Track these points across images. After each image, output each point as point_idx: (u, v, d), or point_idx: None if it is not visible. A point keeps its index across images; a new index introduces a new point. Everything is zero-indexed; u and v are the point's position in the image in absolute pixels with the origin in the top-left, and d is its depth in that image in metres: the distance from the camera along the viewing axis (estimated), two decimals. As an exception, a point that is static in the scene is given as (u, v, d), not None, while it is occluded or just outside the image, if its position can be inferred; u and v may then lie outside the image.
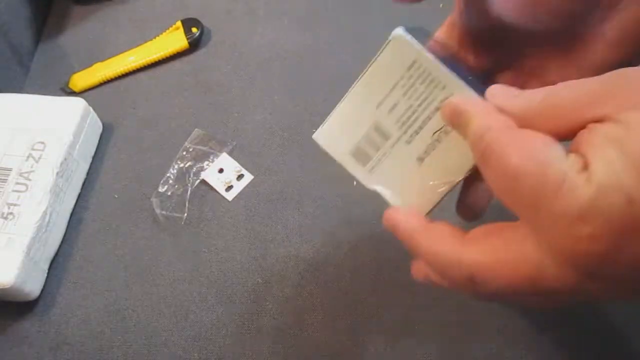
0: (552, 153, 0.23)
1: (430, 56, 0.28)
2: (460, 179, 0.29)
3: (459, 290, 0.27)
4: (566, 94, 0.24)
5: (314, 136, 0.32)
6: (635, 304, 0.41)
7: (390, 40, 0.28)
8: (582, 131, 0.23)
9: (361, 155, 0.31)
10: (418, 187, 0.30)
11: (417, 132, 0.29)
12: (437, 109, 0.28)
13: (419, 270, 0.30)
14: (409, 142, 0.29)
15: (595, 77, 0.24)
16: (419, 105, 0.29)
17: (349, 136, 0.31)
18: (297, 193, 0.50)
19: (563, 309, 0.42)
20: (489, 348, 0.42)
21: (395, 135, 0.30)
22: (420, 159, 0.29)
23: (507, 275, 0.24)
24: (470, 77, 0.29)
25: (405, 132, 0.29)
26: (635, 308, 0.41)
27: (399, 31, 0.28)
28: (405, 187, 0.30)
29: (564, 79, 0.30)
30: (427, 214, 0.30)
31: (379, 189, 0.31)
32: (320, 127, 0.32)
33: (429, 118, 0.29)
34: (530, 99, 0.25)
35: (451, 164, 0.29)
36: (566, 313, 0.42)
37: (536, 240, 0.23)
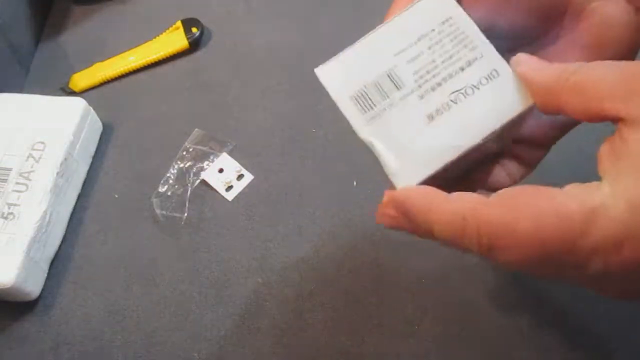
0: (550, 195, 0.22)
1: (466, 16, 0.27)
2: (470, 146, 0.27)
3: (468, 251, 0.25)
4: (602, 75, 0.22)
5: (316, 70, 0.29)
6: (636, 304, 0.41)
7: None
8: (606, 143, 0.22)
9: (364, 101, 0.28)
10: (420, 148, 0.27)
11: (433, 89, 0.27)
12: (462, 69, 0.27)
13: (385, 214, 0.27)
14: (422, 97, 0.27)
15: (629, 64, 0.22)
16: (443, 62, 0.27)
17: (356, 78, 0.28)
18: (297, 193, 0.50)
19: (563, 310, 0.42)
20: (489, 348, 0.42)
21: (408, 87, 0.27)
22: (431, 117, 0.27)
23: (545, 234, 0.21)
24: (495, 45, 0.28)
25: (420, 86, 0.27)
26: (635, 308, 0.41)
27: None
28: (405, 145, 0.27)
29: None
30: (422, 182, 0.27)
31: (374, 141, 0.27)
32: (325, 63, 0.29)
33: (450, 76, 0.27)
34: (560, 73, 0.23)
35: (464, 128, 0.27)
36: (566, 312, 0.42)
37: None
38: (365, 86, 0.28)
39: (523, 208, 0.22)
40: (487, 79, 0.27)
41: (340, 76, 0.28)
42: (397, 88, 0.28)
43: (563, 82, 0.23)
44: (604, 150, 0.22)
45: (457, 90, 0.27)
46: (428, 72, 0.27)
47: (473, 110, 0.27)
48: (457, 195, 0.24)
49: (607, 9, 0.27)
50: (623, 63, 0.23)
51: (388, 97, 0.28)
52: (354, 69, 0.28)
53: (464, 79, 0.27)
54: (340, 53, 0.29)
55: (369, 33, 0.28)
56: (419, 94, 0.27)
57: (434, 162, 0.27)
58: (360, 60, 0.28)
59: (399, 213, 0.26)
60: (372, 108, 0.28)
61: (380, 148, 0.27)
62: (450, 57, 0.27)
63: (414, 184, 0.26)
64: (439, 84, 0.27)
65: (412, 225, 0.25)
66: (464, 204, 0.23)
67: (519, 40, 0.28)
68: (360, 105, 0.28)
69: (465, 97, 0.27)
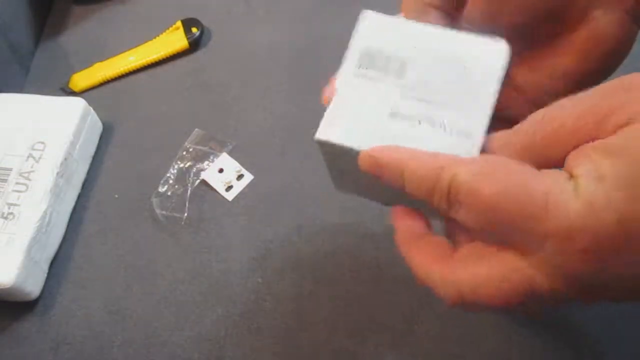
0: (526, 172, 0.22)
1: (497, 83, 0.27)
2: None
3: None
4: (564, 115, 0.23)
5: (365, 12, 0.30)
6: (630, 305, 0.41)
7: None
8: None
9: (367, 60, 0.29)
10: (361, 126, 0.28)
11: (419, 98, 0.28)
12: (450, 106, 0.27)
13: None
14: (404, 94, 0.28)
15: (595, 90, 0.23)
16: (445, 86, 0.28)
17: (386, 38, 0.29)
18: (297, 193, 0.50)
19: (562, 310, 0.42)
20: (489, 348, 0.42)
21: (406, 79, 0.28)
22: (394, 115, 0.28)
23: (500, 293, 0.24)
24: None
25: (413, 88, 0.28)
26: (632, 309, 0.42)
27: None
28: (355, 114, 0.28)
29: (527, 83, 0.29)
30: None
31: (340, 91, 0.29)
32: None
33: (438, 102, 0.27)
34: (527, 132, 0.24)
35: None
36: (566, 312, 0.42)
37: (526, 259, 0.23)
38: (380, 50, 0.29)
39: (497, 175, 0.23)
40: (458, 133, 0.26)
41: (376, 28, 0.29)
42: (399, 75, 0.28)
43: (534, 139, 0.24)
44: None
45: (431, 116, 0.27)
46: (428, 82, 0.28)
47: (426, 141, 0.26)
48: (436, 152, 0.25)
49: (603, 21, 0.27)
50: (589, 92, 0.23)
51: (386, 73, 0.28)
52: (393, 32, 0.29)
53: (443, 114, 0.27)
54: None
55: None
56: (404, 91, 0.28)
57: (360, 144, 0.27)
58: (404, 28, 0.29)
59: (372, 163, 0.26)
60: (366, 69, 0.28)
61: (339, 102, 0.28)
62: (453, 90, 0.27)
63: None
64: (424, 99, 0.27)
65: (382, 172, 0.26)
66: (445, 157, 0.24)
67: (517, 39, 0.28)
68: (362, 60, 0.29)
69: (431, 126, 0.27)
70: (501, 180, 0.22)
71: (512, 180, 0.22)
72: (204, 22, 0.60)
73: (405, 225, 0.28)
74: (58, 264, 0.48)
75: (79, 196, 0.51)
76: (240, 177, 0.51)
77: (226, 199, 0.50)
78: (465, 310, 0.26)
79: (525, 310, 0.26)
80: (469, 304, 0.25)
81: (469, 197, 0.23)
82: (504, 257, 0.24)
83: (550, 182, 0.22)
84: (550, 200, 0.21)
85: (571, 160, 0.23)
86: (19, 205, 0.46)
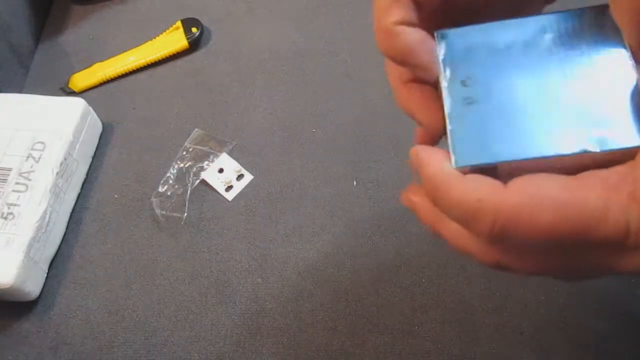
0: (575, 186, 0.22)
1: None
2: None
3: (476, 247, 0.25)
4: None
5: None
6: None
7: None
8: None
9: None
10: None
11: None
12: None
13: (410, 198, 0.27)
14: None
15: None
16: None
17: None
18: (297, 193, 0.50)
19: (562, 310, 0.42)
20: (488, 348, 0.42)
21: None
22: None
23: (559, 216, 0.21)
24: None
25: None
26: (632, 308, 0.42)
27: None
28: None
29: None
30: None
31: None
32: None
33: None
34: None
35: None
36: (565, 313, 0.42)
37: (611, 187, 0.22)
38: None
39: (543, 199, 0.22)
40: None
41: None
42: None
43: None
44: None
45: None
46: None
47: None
48: (473, 177, 0.24)
49: None
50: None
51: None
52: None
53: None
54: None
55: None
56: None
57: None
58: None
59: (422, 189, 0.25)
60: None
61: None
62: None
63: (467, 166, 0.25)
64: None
65: (428, 201, 0.25)
66: (481, 186, 0.23)
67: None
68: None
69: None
70: (552, 203, 0.22)
71: (562, 200, 0.22)
72: (204, 22, 0.60)
73: (441, 162, 0.25)
74: (58, 264, 0.48)
75: (79, 196, 0.51)
76: (240, 177, 0.51)
77: (226, 199, 0.50)
78: (499, 252, 0.24)
79: (569, 264, 0.24)
80: (512, 231, 0.22)
81: (521, 229, 0.22)
82: (575, 182, 0.22)
83: (598, 186, 0.21)
84: (605, 203, 0.21)
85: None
86: (18, 205, 0.46)
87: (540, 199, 0.22)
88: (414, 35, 0.26)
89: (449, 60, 0.26)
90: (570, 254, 0.23)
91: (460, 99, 0.26)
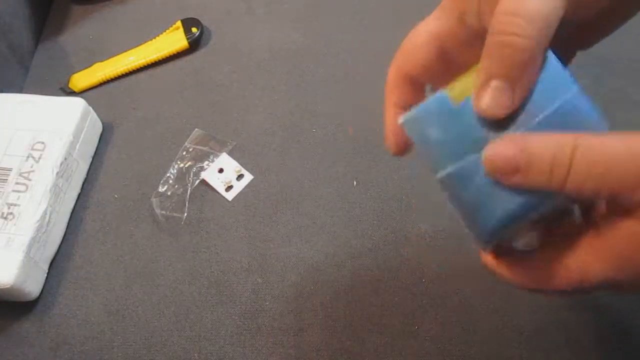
0: None
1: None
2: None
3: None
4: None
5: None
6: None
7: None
8: None
9: None
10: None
11: None
12: None
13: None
14: None
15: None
16: None
17: None
18: (297, 193, 0.50)
19: (562, 310, 0.42)
20: (488, 348, 0.42)
21: None
22: None
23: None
24: None
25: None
26: (631, 309, 0.42)
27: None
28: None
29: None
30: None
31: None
32: None
33: None
34: None
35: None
36: (565, 313, 0.42)
37: None
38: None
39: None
40: None
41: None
42: None
43: None
44: None
45: None
46: None
47: None
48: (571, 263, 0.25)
49: None
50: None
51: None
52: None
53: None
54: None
55: None
56: None
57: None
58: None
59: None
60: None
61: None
62: None
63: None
64: None
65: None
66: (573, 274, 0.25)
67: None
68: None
69: None
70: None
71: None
72: (204, 22, 0.60)
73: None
74: (58, 264, 0.48)
75: (79, 196, 0.51)
76: (240, 177, 0.51)
77: (226, 199, 0.50)
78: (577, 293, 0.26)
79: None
80: (587, 283, 0.25)
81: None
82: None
83: None
84: None
85: None
86: (18, 205, 0.46)
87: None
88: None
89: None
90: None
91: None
